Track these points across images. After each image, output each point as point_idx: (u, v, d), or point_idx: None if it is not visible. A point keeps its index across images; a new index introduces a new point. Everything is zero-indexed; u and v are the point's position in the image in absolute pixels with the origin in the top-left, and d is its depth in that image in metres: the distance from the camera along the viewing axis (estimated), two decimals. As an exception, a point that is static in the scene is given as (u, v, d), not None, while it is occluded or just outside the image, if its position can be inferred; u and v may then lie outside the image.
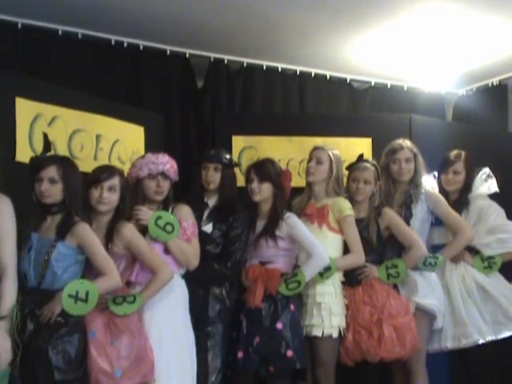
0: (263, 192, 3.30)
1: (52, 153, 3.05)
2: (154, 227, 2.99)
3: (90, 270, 2.78)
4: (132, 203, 3.04)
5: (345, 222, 3.37)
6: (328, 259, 3.23)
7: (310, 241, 3.22)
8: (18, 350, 2.54)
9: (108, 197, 2.84)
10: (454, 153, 3.76)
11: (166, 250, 3.04)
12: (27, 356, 2.54)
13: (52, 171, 2.68)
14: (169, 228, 3.00)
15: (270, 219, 3.28)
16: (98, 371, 2.65)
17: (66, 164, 2.77)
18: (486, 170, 3.75)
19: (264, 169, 3.32)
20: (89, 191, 2.84)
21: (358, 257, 3.37)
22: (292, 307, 3.19)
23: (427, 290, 3.45)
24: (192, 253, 3.10)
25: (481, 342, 3.47)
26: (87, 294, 2.62)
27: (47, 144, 2.85)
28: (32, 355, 2.54)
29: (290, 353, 3.08)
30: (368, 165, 3.51)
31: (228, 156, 3.43)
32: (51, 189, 2.67)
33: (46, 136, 2.89)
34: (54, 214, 2.70)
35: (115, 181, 2.88)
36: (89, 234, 2.71)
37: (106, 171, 2.91)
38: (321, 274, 3.26)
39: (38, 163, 2.72)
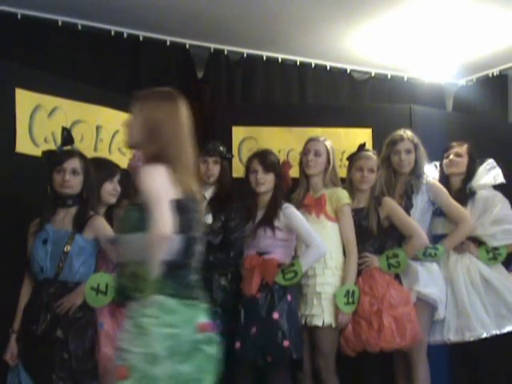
0: (268, 183, 3.31)
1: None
2: None
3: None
4: (132, 194, 3.07)
5: (342, 211, 3.38)
6: (325, 249, 3.24)
7: (307, 232, 3.23)
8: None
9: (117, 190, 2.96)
10: (456, 141, 3.78)
11: None
12: (41, 346, 2.58)
13: (75, 163, 2.74)
14: None
15: (269, 209, 3.29)
16: (106, 360, 2.68)
17: (86, 158, 2.84)
18: (490, 161, 3.75)
19: (268, 159, 3.34)
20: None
21: (352, 246, 3.37)
22: (289, 297, 3.20)
23: (428, 279, 3.45)
24: None
25: (484, 335, 3.46)
26: (107, 286, 2.68)
27: (69, 137, 2.88)
28: (48, 345, 2.58)
29: (286, 343, 3.08)
30: (371, 154, 3.52)
31: (223, 148, 3.47)
32: (73, 180, 2.71)
33: (67, 130, 2.92)
34: (68, 207, 2.73)
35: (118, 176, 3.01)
36: (106, 227, 2.76)
37: (113, 166, 3.05)
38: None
39: (62, 155, 2.75)
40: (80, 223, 2.71)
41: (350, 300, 3.26)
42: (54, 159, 2.76)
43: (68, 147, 2.86)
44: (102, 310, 2.75)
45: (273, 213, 3.26)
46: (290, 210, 3.27)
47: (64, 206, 2.74)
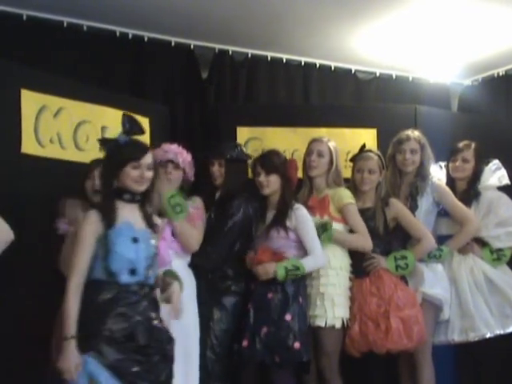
0: (271, 184, 3.30)
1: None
2: (167, 203, 3.08)
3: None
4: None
5: (347, 210, 3.38)
6: (324, 263, 3.24)
7: (311, 239, 3.23)
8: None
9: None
10: (464, 142, 3.77)
11: (174, 233, 3.10)
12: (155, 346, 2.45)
13: (150, 158, 2.58)
14: (177, 209, 3.08)
15: (279, 210, 3.28)
16: None
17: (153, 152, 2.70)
18: (496, 162, 3.75)
19: (270, 161, 3.33)
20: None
21: (366, 241, 3.36)
22: (301, 300, 3.20)
23: (434, 280, 3.45)
24: (194, 235, 3.14)
25: (488, 335, 3.47)
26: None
27: (137, 125, 2.61)
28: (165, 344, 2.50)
29: (297, 345, 3.08)
30: (371, 154, 3.52)
31: (235, 149, 3.42)
32: (149, 176, 2.55)
33: (130, 117, 2.61)
34: (135, 203, 2.57)
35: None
36: (160, 224, 2.73)
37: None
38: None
39: (138, 149, 2.56)
40: (151, 221, 2.59)
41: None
42: (130, 154, 2.53)
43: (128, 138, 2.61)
44: None
45: (284, 213, 3.25)
46: (300, 213, 3.26)
47: (132, 201, 2.55)
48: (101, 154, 3.37)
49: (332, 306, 3.26)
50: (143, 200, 2.59)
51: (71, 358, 2.31)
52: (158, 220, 2.66)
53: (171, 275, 2.69)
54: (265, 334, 3.11)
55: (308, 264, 3.20)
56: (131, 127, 2.59)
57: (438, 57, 4.78)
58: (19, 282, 2.92)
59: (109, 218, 2.46)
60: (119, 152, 2.54)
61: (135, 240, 2.47)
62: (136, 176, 2.50)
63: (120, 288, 2.43)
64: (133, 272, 2.45)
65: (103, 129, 3.60)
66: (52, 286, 3.06)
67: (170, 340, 2.50)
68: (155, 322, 2.47)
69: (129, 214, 2.52)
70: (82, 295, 2.41)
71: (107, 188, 2.54)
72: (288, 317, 3.13)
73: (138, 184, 2.52)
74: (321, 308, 3.27)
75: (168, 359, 2.48)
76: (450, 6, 3.92)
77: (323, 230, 3.29)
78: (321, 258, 3.23)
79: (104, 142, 2.65)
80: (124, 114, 2.63)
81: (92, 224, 2.46)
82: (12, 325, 2.93)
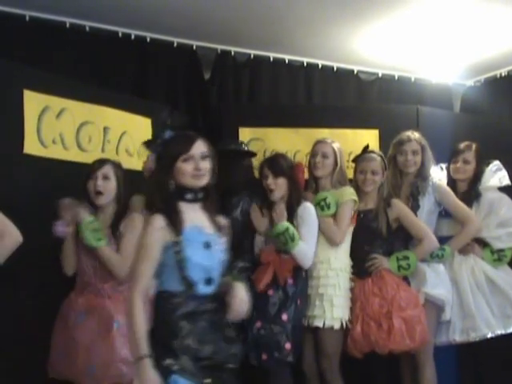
0: (279, 187, 3.31)
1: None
2: None
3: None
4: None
5: (343, 205, 3.38)
6: (309, 263, 3.26)
7: (306, 237, 3.25)
8: None
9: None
10: (464, 143, 3.78)
11: None
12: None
13: (203, 145, 2.29)
14: None
15: (287, 212, 3.29)
16: (124, 364, 2.64)
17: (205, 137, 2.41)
18: (497, 163, 3.75)
19: (278, 164, 3.35)
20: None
21: (337, 233, 3.35)
22: (299, 302, 3.22)
23: (436, 280, 3.45)
24: None
25: (489, 335, 3.47)
26: None
27: (179, 115, 2.51)
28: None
29: (288, 345, 3.11)
30: (374, 155, 3.52)
31: (231, 143, 3.47)
32: (206, 167, 2.26)
33: (171, 109, 2.47)
34: (198, 202, 2.29)
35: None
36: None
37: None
38: None
39: (185, 139, 2.28)
40: (218, 222, 2.30)
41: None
42: (177, 147, 2.24)
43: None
44: (117, 306, 2.68)
45: (291, 215, 3.27)
46: (303, 208, 3.29)
47: (195, 200, 2.27)
48: (103, 155, 3.42)
49: (331, 306, 3.26)
50: (205, 198, 2.30)
51: (152, 378, 2.08)
52: (222, 220, 2.37)
53: (232, 277, 2.39)
54: (257, 329, 3.13)
55: (302, 246, 3.21)
56: (173, 119, 2.47)
57: (441, 57, 4.78)
58: (20, 282, 2.92)
59: (176, 223, 2.19)
60: (166, 149, 2.26)
61: (207, 245, 2.23)
62: (191, 170, 2.21)
63: (197, 300, 2.20)
64: (208, 281, 2.22)
65: (105, 129, 3.61)
66: (52, 286, 3.08)
67: (239, 354, 2.31)
68: (229, 334, 2.28)
69: (194, 217, 2.25)
70: (152, 307, 2.20)
71: (164, 190, 2.24)
72: (284, 317, 3.15)
73: (195, 178, 2.23)
74: (319, 308, 3.28)
75: (235, 373, 2.28)
76: (453, 7, 3.92)
77: (322, 199, 3.34)
78: (310, 255, 3.25)
79: (149, 144, 2.35)
80: (164, 111, 2.43)
81: (158, 230, 2.18)
82: (12, 325, 2.94)
